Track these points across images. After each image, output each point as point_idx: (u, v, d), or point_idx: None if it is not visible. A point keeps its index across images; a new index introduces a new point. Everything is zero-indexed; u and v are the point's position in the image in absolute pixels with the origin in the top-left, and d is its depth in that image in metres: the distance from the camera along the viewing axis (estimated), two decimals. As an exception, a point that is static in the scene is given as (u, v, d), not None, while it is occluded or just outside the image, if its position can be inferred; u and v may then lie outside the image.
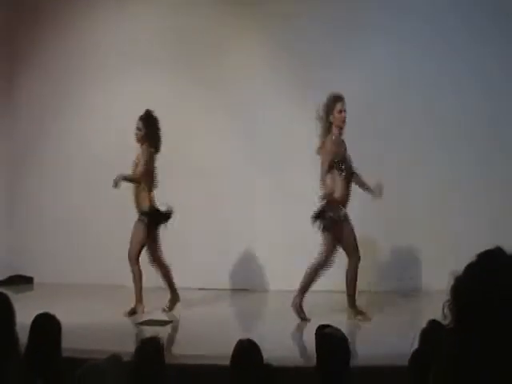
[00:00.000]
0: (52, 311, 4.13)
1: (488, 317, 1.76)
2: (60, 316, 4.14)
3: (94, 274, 9.01)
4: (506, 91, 8.42)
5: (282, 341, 6.41)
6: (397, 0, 8.81)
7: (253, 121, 8.95)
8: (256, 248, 8.90)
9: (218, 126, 9.08)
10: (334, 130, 7.00)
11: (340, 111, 6.95)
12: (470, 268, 1.84)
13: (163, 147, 7.79)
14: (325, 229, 6.96)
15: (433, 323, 3.39)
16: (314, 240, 7.44)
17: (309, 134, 7.35)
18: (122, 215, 8.31)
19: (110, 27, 9.49)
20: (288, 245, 8.64)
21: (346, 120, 7.02)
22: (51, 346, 3.91)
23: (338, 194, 6.95)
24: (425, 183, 8.50)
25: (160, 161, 7.93)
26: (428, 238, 8.37)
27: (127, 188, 7.77)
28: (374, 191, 7.04)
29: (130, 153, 7.89)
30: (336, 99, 6.95)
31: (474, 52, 8.44)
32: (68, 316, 4.59)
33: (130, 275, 7.71)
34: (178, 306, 7.73)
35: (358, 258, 7.03)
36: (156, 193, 7.81)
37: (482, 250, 1.87)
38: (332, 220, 6.90)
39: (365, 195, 7.19)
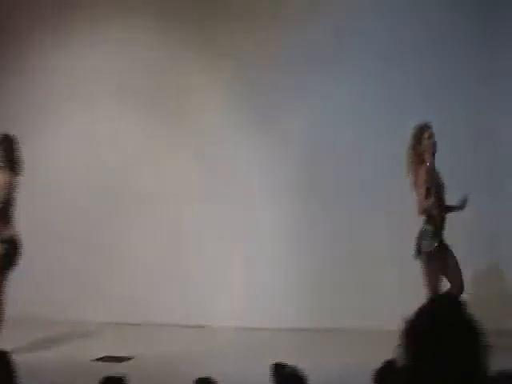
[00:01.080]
0: (5, 346, 4.06)
1: (436, 359, 1.81)
2: (14, 351, 4.08)
3: (56, 308, 8.92)
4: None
5: (241, 378, 6.39)
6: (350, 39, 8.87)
7: (211, 154, 8.97)
8: (209, 283, 8.88)
9: (174, 155, 9.08)
10: (427, 158, 6.90)
11: (429, 137, 6.89)
12: (420, 312, 1.90)
13: (114, 175, 7.75)
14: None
15: (388, 363, 3.43)
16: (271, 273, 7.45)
17: (261, 164, 7.35)
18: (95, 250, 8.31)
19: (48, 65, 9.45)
20: (243, 281, 8.68)
21: None
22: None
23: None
24: None
25: (109, 189, 7.94)
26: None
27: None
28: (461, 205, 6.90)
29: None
30: (423, 128, 6.92)
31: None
32: (22, 352, 4.54)
33: (87, 308, 7.64)
34: (138, 342, 7.71)
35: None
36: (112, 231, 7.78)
37: None
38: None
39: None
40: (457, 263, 6.84)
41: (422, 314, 1.90)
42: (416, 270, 7.94)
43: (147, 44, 9.19)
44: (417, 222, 7.28)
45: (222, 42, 8.91)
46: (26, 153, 8.12)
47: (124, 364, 6.91)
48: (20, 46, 9.44)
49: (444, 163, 6.96)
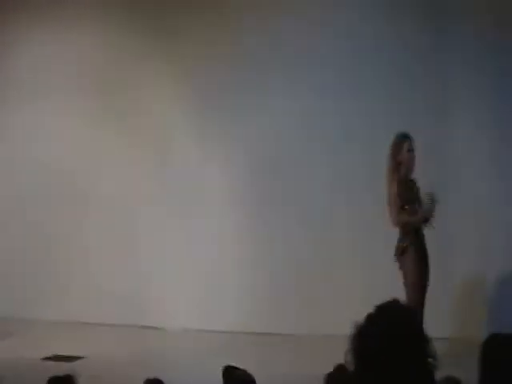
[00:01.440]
0: None
1: (383, 364, 1.84)
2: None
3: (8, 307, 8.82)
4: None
5: (191, 381, 6.40)
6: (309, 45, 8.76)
7: (166, 158, 8.92)
8: (163, 285, 8.85)
9: (128, 160, 9.01)
10: (402, 170, 6.78)
11: (409, 150, 6.79)
12: (369, 318, 1.93)
13: (70, 177, 7.72)
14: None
15: (338, 367, 3.46)
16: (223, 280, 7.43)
17: (220, 171, 7.30)
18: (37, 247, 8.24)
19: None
20: (197, 284, 8.68)
21: None
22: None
23: None
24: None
25: (66, 191, 7.90)
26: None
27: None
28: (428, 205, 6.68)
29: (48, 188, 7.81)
30: (404, 138, 6.81)
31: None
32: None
33: (40, 307, 7.60)
34: (89, 342, 7.66)
35: None
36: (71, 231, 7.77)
37: None
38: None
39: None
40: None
41: (372, 320, 1.93)
42: (370, 273, 8.04)
43: (97, 37, 9.09)
44: (377, 225, 7.33)
45: (177, 38, 8.82)
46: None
47: (74, 363, 6.85)
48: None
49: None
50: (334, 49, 8.44)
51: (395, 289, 6.63)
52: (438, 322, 7.54)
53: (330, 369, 3.74)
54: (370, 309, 1.98)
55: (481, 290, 8.05)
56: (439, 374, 2.01)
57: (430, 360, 1.91)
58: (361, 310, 2.07)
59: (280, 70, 8.59)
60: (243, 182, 8.68)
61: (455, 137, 8.14)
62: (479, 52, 8.01)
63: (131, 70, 8.97)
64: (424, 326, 2.00)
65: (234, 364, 4.05)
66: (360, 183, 8.20)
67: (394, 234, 6.81)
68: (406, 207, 6.68)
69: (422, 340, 1.92)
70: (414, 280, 6.61)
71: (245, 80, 8.64)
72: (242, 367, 3.99)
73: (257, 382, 3.85)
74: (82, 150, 9.04)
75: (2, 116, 9.43)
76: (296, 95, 8.52)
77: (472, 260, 8.01)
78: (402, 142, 6.81)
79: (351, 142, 8.33)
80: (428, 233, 6.78)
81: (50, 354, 7.11)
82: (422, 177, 6.92)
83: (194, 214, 8.82)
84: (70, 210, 8.99)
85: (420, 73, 8.21)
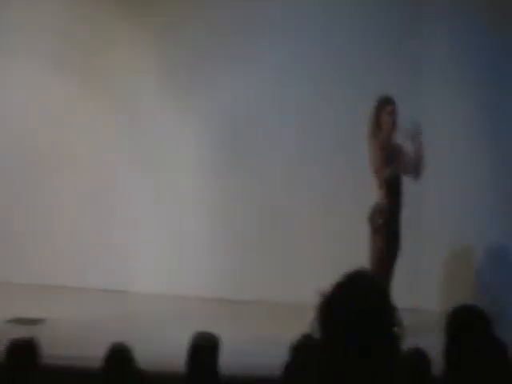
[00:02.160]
0: None
1: (350, 333, 1.84)
2: None
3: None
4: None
5: (157, 346, 6.38)
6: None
7: (137, 120, 8.80)
8: (136, 250, 8.82)
9: (101, 124, 8.88)
10: (382, 133, 6.73)
11: (390, 113, 6.72)
12: (336, 287, 1.92)
13: (39, 144, 7.64)
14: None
15: (304, 336, 3.47)
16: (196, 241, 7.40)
17: (194, 135, 7.27)
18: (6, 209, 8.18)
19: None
20: (171, 246, 8.66)
21: None
22: None
23: None
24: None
25: (37, 158, 7.80)
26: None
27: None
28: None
29: (12, 148, 7.72)
30: (385, 102, 6.75)
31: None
32: None
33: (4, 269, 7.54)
34: (53, 305, 7.62)
35: None
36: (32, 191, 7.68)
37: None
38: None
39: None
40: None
41: (338, 289, 1.92)
42: (339, 243, 8.08)
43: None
44: (340, 195, 7.37)
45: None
46: None
47: (37, 326, 6.81)
48: None
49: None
50: (308, 14, 8.41)
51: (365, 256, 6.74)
52: (424, 294, 7.70)
53: (295, 338, 3.75)
54: (338, 278, 1.97)
55: (468, 262, 8.16)
56: (405, 345, 2.01)
57: (395, 329, 1.91)
58: (328, 279, 2.06)
59: (255, 34, 8.54)
60: (215, 141, 8.65)
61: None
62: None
63: (105, 31, 8.84)
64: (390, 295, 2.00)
65: (197, 328, 4.04)
66: (333, 144, 8.23)
67: (366, 194, 6.81)
68: (387, 169, 6.66)
69: (389, 309, 1.92)
70: (382, 257, 6.62)
71: (220, 44, 8.57)
72: (208, 332, 3.98)
73: (222, 348, 3.85)
74: (47, 109, 8.90)
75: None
76: (269, 59, 8.50)
77: (458, 231, 8.09)
78: (383, 105, 6.78)
79: (323, 103, 8.35)
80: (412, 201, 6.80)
81: (12, 316, 7.04)
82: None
83: (162, 174, 8.77)
84: (32, 171, 8.88)
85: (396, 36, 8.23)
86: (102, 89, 8.87)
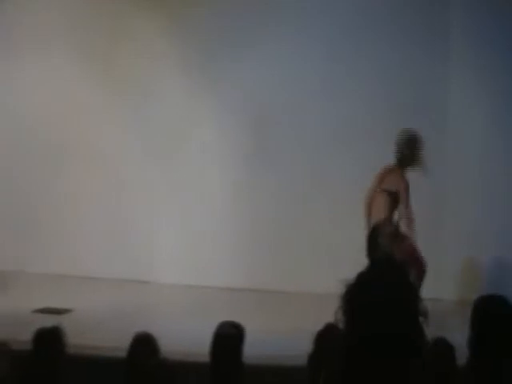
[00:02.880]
0: None
1: (375, 323, 1.84)
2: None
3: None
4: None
5: (181, 335, 6.41)
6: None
7: (151, 107, 8.79)
8: (154, 239, 8.83)
9: (117, 113, 8.92)
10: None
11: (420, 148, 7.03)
12: (361, 276, 1.91)
13: (58, 133, 7.68)
14: None
15: (329, 326, 3.47)
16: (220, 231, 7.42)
17: (208, 123, 7.23)
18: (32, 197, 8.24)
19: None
20: (194, 237, 8.66)
21: None
22: None
23: None
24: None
25: (56, 147, 7.84)
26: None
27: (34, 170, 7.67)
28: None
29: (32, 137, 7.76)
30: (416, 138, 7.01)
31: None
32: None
33: (28, 259, 7.60)
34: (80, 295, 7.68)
35: None
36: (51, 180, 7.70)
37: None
38: None
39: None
40: None
41: (363, 278, 1.91)
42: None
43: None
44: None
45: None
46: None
47: (62, 316, 6.86)
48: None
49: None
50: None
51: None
52: (439, 284, 7.68)
53: (320, 328, 3.75)
54: (363, 267, 1.97)
55: (481, 251, 8.12)
56: (431, 335, 2.01)
57: (421, 318, 1.91)
58: (353, 269, 2.05)
59: (281, 19, 8.52)
60: (235, 131, 8.63)
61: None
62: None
63: (123, 18, 8.85)
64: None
65: (221, 319, 4.05)
66: (359, 131, 8.22)
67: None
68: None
69: (414, 298, 1.91)
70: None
71: (244, 29, 8.56)
72: (234, 322, 3.99)
73: (246, 338, 3.85)
74: (64, 97, 8.92)
75: None
76: (292, 44, 8.48)
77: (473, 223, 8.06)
78: (415, 142, 6.95)
79: (348, 91, 8.32)
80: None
81: (39, 306, 7.10)
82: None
83: (185, 164, 8.76)
84: (56, 162, 8.91)
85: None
86: (122, 78, 8.86)
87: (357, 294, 1.89)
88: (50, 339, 3.72)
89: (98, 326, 6.68)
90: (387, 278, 1.89)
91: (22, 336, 4.11)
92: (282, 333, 6.54)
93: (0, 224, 8.88)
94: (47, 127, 8.85)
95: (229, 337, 3.83)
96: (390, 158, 7.19)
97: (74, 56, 8.89)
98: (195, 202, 8.75)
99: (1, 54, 9.08)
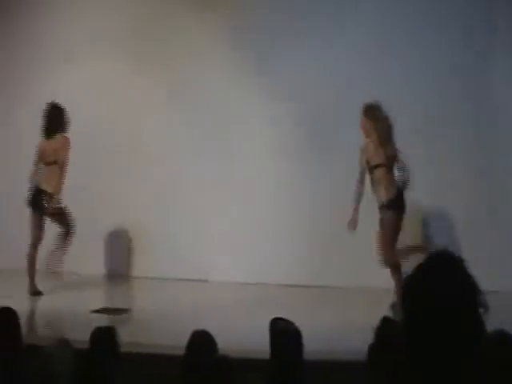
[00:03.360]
0: (4, 297, 4.11)
1: (434, 315, 1.81)
2: (14, 302, 4.12)
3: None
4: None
5: (237, 332, 6.42)
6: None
7: (203, 108, 8.84)
8: (214, 238, 8.86)
9: (168, 111, 8.99)
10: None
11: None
12: (420, 269, 1.89)
13: (117, 135, 7.80)
14: None
15: (385, 320, 3.44)
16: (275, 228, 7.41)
17: (259, 120, 7.30)
18: (78, 200, 8.31)
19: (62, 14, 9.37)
20: (249, 234, 8.68)
21: None
22: (12, 338, 3.96)
23: None
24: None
25: (109, 147, 7.94)
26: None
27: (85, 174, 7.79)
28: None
29: (88, 135, 7.87)
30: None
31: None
32: (24, 302, 4.57)
33: (83, 262, 7.71)
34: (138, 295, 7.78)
35: None
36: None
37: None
38: None
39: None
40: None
41: (422, 270, 1.88)
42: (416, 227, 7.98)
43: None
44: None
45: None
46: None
47: (121, 316, 6.93)
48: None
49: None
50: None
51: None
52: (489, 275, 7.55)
53: (375, 321, 3.72)
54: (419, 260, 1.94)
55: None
56: (490, 327, 1.97)
57: (481, 311, 1.87)
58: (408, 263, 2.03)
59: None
60: (287, 127, 8.61)
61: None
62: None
63: (174, 18, 8.91)
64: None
65: (279, 316, 4.04)
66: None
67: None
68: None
69: (474, 290, 1.88)
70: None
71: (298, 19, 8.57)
72: (287, 319, 3.98)
73: (302, 333, 3.84)
74: (116, 97, 9.00)
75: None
76: (342, 39, 8.50)
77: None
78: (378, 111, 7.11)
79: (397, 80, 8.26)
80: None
81: (98, 306, 7.19)
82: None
83: (240, 160, 8.79)
84: (114, 163, 9.00)
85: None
86: (175, 77, 8.92)
87: (415, 287, 1.87)
88: (104, 338, 3.76)
89: (157, 325, 6.72)
90: (446, 270, 1.86)
91: (82, 336, 4.16)
92: (340, 328, 6.51)
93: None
94: (99, 128, 8.94)
95: (288, 333, 3.82)
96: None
97: (125, 57, 8.99)
98: (252, 200, 8.74)
99: (59, 57, 9.20)
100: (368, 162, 7.17)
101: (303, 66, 8.51)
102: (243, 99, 8.74)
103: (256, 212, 8.72)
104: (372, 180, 7.20)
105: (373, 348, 3.54)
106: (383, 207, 7.11)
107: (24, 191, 7.85)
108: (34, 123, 8.01)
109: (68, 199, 8.67)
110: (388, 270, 7.03)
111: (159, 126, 8.96)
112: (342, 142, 8.29)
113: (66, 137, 7.79)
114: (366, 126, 7.16)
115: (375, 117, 7.11)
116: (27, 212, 7.88)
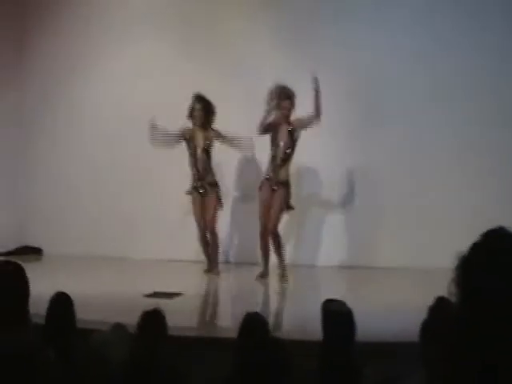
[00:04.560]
0: (59, 282, 4.16)
1: (493, 295, 1.77)
2: (69, 288, 4.17)
3: (104, 246, 8.99)
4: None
5: (289, 314, 6.42)
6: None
7: (254, 86, 8.79)
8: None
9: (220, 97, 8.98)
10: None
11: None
12: (475, 247, 1.85)
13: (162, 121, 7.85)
14: None
15: (440, 300, 3.39)
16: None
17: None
18: (137, 185, 8.37)
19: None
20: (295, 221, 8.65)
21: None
22: (66, 322, 4.02)
23: None
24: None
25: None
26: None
27: (138, 160, 7.83)
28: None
29: (139, 114, 7.91)
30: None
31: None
32: (77, 288, 4.62)
33: (135, 246, 7.79)
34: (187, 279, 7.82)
35: None
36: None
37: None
38: None
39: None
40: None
41: (477, 249, 1.85)
42: (479, 207, 7.88)
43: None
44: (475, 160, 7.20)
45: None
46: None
47: (173, 300, 6.97)
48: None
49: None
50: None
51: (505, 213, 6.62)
52: None
53: (430, 301, 3.67)
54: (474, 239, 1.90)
55: None
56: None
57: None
58: (465, 242, 1.99)
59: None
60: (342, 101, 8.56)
61: None
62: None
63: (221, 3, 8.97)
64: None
65: (331, 297, 4.02)
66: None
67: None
68: None
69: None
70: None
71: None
72: (340, 300, 3.96)
73: (355, 315, 3.82)
74: (167, 86, 9.04)
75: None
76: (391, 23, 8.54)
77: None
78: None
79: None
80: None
81: (150, 290, 7.23)
82: None
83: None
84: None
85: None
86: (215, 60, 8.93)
87: (470, 266, 1.83)
88: (151, 322, 3.79)
89: (209, 309, 6.75)
90: (501, 249, 1.82)
91: (135, 321, 4.19)
92: (394, 308, 6.46)
93: (107, 213, 9.08)
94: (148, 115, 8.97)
95: (341, 314, 3.80)
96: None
97: (185, 50, 9.07)
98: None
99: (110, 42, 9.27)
100: None
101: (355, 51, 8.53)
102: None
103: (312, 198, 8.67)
104: None
105: (426, 327, 3.50)
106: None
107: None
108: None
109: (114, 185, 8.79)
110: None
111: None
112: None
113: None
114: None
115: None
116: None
